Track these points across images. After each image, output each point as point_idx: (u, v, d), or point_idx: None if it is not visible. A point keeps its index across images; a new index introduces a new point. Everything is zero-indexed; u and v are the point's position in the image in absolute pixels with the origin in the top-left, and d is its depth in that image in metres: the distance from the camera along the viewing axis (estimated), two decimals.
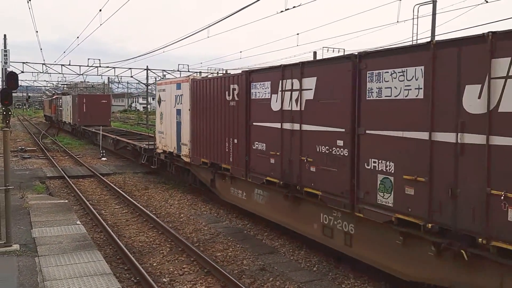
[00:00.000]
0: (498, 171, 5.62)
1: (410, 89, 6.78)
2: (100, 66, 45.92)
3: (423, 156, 6.56)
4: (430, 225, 6.43)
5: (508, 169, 5.50)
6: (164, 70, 50.38)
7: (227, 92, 12.18)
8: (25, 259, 7.82)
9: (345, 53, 34.17)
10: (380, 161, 7.35)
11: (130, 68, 48.58)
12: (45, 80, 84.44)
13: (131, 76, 49.79)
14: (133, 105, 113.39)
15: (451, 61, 6.15)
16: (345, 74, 7.94)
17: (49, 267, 7.43)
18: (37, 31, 32.92)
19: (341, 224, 8.53)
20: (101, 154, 25.80)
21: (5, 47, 29.08)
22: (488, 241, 5.72)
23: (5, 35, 29.56)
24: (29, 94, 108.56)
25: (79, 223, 10.47)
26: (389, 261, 7.50)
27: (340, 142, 8.16)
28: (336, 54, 33.53)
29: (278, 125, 9.92)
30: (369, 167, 7.53)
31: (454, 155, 6.14)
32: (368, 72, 7.52)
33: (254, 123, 10.95)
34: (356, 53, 7.88)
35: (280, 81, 9.78)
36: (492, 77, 5.62)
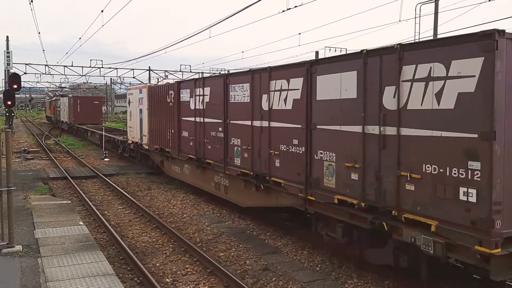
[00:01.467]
0: (273, 140, 10.30)
1: (245, 96, 11.40)
2: (102, 67, 45.94)
3: (249, 134, 11.18)
4: (252, 173, 11.23)
5: (274, 139, 10.21)
6: (166, 71, 50.32)
7: (167, 96, 16.56)
8: (27, 260, 7.82)
9: (346, 52, 34.12)
10: (235, 139, 12.01)
11: (132, 69, 48.58)
12: (47, 81, 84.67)
13: (134, 77, 49.69)
14: None
15: (257, 81, 10.84)
16: (221, 86, 12.51)
17: (51, 268, 7.42)
18: (39, 33, 33.02)
19: (223, 180, 13.18)
20: (104, 155, 25.85)
21: (7, 48, 29.10)
22: (270, 178, 10.44)
23: (7, 37, 29.61)
24: (32, 96, 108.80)
25: (82, 223, 10.47)
26: (241, 198, 12.23)
27: (220, 129, 12.73)
28: (339, 53, 33.51)
29: (193, 119, 14.44)
30: (231, 143, 12.21)
31: (259, 133, 10.78)
32: (230, 85, 12.15)
33: (182, 118, 15.42)
34: (225, 73, 12.47)
35: (194, 89, 14.33)
36: (270, 90, 10.26)
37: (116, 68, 48.23)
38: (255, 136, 11.00)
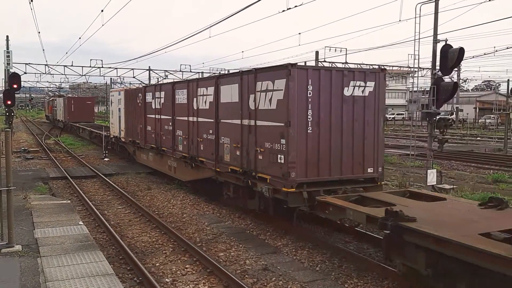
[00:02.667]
0: (199, 131, 14.25)
1: (185, 99, 15.39)
2: (102, 67, 45.70)
3: (187, 127, 15.22)
4: (188, 155, 15.13)
5: (201, 130, 14.14)
6: (166, 71, 50.12)
7: (137, 98, 20.66)
8: (27, 259, 7.82)
9: (346, 52, 34.13)
10: (179, 131, 15.96)
11: (132, 69, 48.24)
12: (47, 81, 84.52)
13: (134, 77, 49.27)
14: None
15: (191, 88, 14.87)
16: (171, 90, 16.52)
17: (51, 268, 7.42)
18: (39, 32, 33.02)
19: (172, 163, 17.11)
20: (104, 155, 25.85)
21: (7, 48, 29.02)
22: (198, 158, 14.35)
23: (7, 36, 29.50)
24: (32, 95, 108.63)
25: (82, 223, 10.47)
26: (183, 175, 16.18)
27: (170, 124, 16.71)
28: (338, 54, 33.48)
29: (154, 116, 18.40)
30: (176, 134, 16.18)
31: (192, 126, 14.75)
32: (176, 90, 16.25)
33: (147, 115, 19.37)
34: (172, 81, 16.82)
35: (154, 92, 18.39)
36: (197, 95, 14.31)
37: (116, 68, 47.99)
38: (189, 128, 15.04)
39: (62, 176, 19.40)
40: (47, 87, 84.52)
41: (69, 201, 13.51)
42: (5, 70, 29.09)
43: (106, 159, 25.29)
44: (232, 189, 12.66)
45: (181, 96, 15.69)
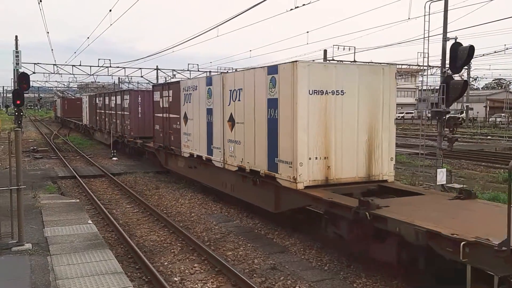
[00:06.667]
0: (111, 117, 30.14)
1: (108, 101, 30.20)
2: (110, 66, 45.85)
3: (109, 116, 29.57)
4: (109, 130, 28.71)
5: (110, 118, 29.95)
6: (173, 70, 50.22)
7: (93, 100, 35.18)
8: (37, 258, 7.87)
9: (355, 51, 33.92)
10: (106, 118, 30.56)
11: (140, 68, 48.45)
12: (56, 81, 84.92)
13: (141, 76, 49.43)
14: None
15: (109, 96, 30.26)
16: (104, 97, 31.81)
17: (61, 266, 7.47)
18: (48, 32, 33.27)
19: (106, 136, 30.08)
20: (112, 154, 25.98)
21: (16, 48, 29.24)
22: (111, 131, 28.41)
23: (16, 36, 29.72)
24: (41, 95, 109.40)
25: (91, 222, 10.52)
26: (109, 141, 28.67)
27: (104, 115, 31.21)
28: (347, 52, 33.38)
29: (100, 111, 32.18)
30: (105, 120, 30.41)
31: (110, 115, 30.23)
32: (105, 97, 31.13)
33: (96, 111, 33.43)
34: (105, 92, 39.60)
35: (99, 98, 33.13)
36: (110, 100, 30.37)
37: (124, 68, 48.24)
38: (108, 117, 28.52)
39: (70, 175, 19.51)
40: (56, 87, 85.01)
41: (78, 200, 13.58)
42: (14, 70, 29.31)
43: (114, 158, 25.41)
44: (121, 145, 26.27)
45: (107, 100, 29.41)
